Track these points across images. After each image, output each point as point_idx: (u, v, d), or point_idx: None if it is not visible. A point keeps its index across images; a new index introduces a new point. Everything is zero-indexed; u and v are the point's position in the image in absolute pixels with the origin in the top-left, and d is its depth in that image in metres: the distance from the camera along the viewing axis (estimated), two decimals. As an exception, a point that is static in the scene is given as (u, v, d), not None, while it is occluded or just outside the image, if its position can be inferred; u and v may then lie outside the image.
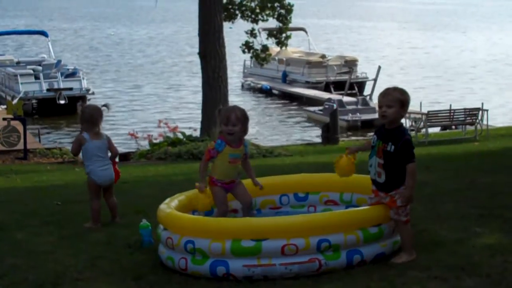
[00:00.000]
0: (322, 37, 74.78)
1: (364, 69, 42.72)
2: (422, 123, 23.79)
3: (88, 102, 33.72)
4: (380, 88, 37.66)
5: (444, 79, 47.68)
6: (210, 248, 5.98)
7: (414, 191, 6.12)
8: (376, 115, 31.69)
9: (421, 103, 27.34)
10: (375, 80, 36.85)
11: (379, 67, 36.39)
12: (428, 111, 24.45)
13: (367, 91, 39.30)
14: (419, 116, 24.93)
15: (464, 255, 6.07)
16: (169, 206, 6.65)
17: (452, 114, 24.18)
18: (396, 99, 6.14)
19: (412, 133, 23.87)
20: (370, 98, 34.63)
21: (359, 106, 32.14)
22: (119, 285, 5.99)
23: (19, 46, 67.86)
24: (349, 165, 6.64)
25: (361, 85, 40.47)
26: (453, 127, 26.48)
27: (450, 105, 25.53)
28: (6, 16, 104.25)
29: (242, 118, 6.74)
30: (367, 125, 31.05)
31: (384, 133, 6.19)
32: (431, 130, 24.56)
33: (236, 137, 6.77)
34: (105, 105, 8.21)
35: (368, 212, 6.28)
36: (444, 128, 26.83)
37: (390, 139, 6.10)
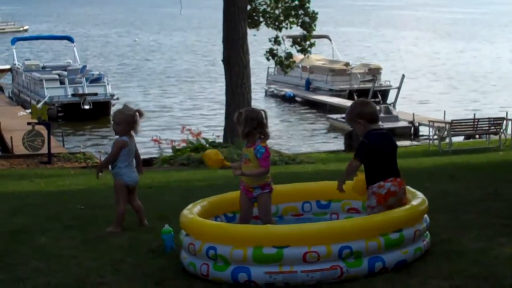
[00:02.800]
0: (346, 45, 74.70)
1: (387, 77, 42.60)
2: (445, 132, 23.68)
3: (113, 108, 33.89)
4: (403, 96, 37.66)
5: (469, 88, 47.43)
6: (232, 254, 5.98)
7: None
8: (399, 124, 31.65)
9: (444, 112, 27.27)
10: (398, 88, 36.74)
11: (403, 76, 36.28)
12: (452, 120, 24.34)
13: (390, 99, 39.21)
14: (443, 125, 24.82)
15: (486, 265, 6.03)
16: (192, 212, 6.67)
17: (476, 123, 24.05)
18: (349, 119, 6.73)
19: (436, 142, 23.79)
20: (394, 106, 34.54)
21: (382, 114, 31.97)
22: (140, 290, 6.01)
23: (45, 51, 68.32)
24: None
25: (384, 93, 40.37)
26: (477, 136, 26.34)
27: (474, 114, 25.41)
28: (33, 22, 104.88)
29: (237, 120, 6.89)
30: (389, 133, 30.90)
31: None
32: (455, 139, 24.44)
33: (240, 137, 6.99)
34: (138, 111, 8.17)
35: (389, 217, 6.27)
36: (468, 137, 26.69)
37: None
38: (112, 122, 8.11)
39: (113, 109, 34.35)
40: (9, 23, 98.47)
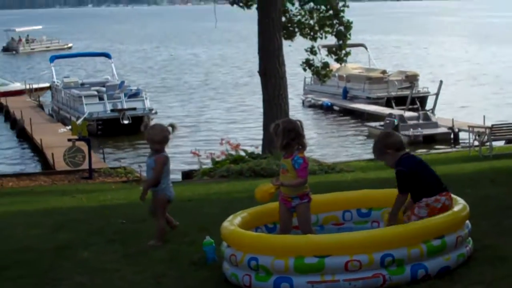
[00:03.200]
0: (382, 53, 74.42)
1: (425, 84, 42.34)
2: (486, 137, 23.47)
3: (152, 122, 34.13)
4: (442, 102, 37.35)
5: (508, 92, 46.94)
6: (273, 265, 6.00)
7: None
8: (438, 130, 31.43)
9: (484, 117, 27.03)
10: (437, 94, 36.51)
11: (441, 82, 36.06)
12: (492, 125, 24.13)
13: (429, 105, 38.98)
14: (483, 130, 24.61)
15: (530, 270, 5.97)
16: (232, 223, 6.70)
17: (516, 127, 23.82)
18: (378, 153, 6.86)
19: (476, 147, 23.60)
20: (433, 113, 34.32)
21: (421, 121, 31.85)
22: (184, 302, 6.05)
23: (83, 67, 69.04)
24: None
25: (422, 99, 40.13)
26: (518, 140, 26.07)
27: (515, 118, 25.18)
28: (74, 39, 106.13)
29: (274, 131, 6.92)
30: (429, 140, 30.75)
31: None
32: (496, 143, 24.21)
33: (279, 149, 7.00)
34: (171, 125, 8.29)
35: (431, 224, 6.24)
36: (509, 141, 26.42)
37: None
38: (149, 140, 8.10)
39: (152, 123, 34.61)
40: (54, 41, 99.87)
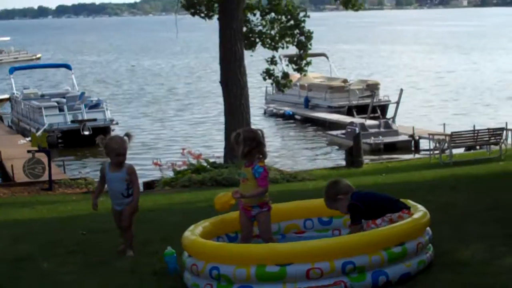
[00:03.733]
0: (344, 62, 74.89)
1: (386, 92, 42.68)
2: (446, 144, 23.69)
3: (112, 133, 33.94)
4: (402, 110, 37.67)
5: (467, 100, 47.47)
6: (235, 274, 5.98)
7: None
8: (399, 137, 31.66)
9: (444, 124, 27.27)
10: (397, 102, 36.80)
11: (401, 90, 36.37)
12: (452, 132, 24.34)
13: (390, 113, 39.26)
14: (443, 137, 24.83)
15: (491, 275, 6.02)
16: (194, 233, 6.67)
17: (476, 134, 24.06)
18: (331, 202, 6.94)
19: (437, 155, 23.79)
20: (393, 121, 34.58)
21: (382, 129, 32.06)
22: (145, 313, 6.00)
23: (43, 79, 68.52)
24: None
25: (383, 108, 40.42)
26: (478, 147, 26.34)
27: (474, 126, 25.45)
28: (31, 51, 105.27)
29: (235, 140, 6.93)
30: (390, 147, 30.95)
31: None
32: (455, 151, 24.44)
33: (240, 158, 7.01)
34: (127, 134, 8.21)
35: (391, 231, 6.27)
36: (468, 148, 26.69)
37: None
38: (115, 152, 7.88)
39: (113, 133, 34.45)
40: (22, 52, 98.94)
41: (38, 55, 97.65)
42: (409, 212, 6.72)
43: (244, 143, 6.86)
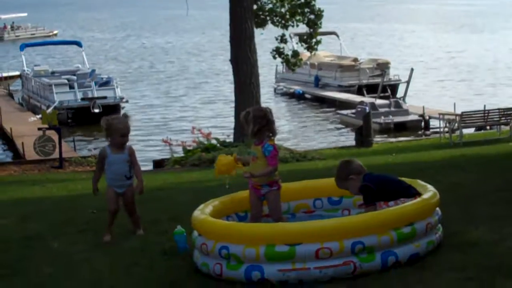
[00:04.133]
0: (354, 41, 74.60)
1: (396, 72, 42.53)
2: (456, 124, 23.62)
3: (122, 111, 34.00)
4: (413, 90, 37.55)
5: (478, 80, 47.28)
6: (245, 253, 5.99)
7: None
8: (409, 117, 31.61)
9: (455, 104, 27.20)
10: (408, 82, 36.71)
11: (412, 69, 36.24)
12: (462, 112, 24.28)
13: (400, 93, 39.17)
14: (453, 117, 24.76)
15: (499, 256, 6.02)
16: (203, 212, 6.68)
17: (486, 114, 23.98)
18: (342, 182, 6.84)
19: (447, 135, 23.74)
20: (403, 100, 34.50)
21: (392, 109, 32.00)
22: (154, 292, 6.03)
23: (53, 56, 68.52)
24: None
25: (393, 87, 40.31)
26: (488, 127, 26.26)
27: (484, 106, 25.34)
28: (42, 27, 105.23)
29: (245, 119, 6.90)
30: (400, 127, 30.91)
31: None
32: (466, 131, 24.38)
33: (250, 136, 6.98)
34: (124, 115, 8.08)
35: (401, 211, 6.27)
36: (478, 128, 26.62)
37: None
38: (121, 133, 7.74)
39: (122, 112, 34.47)
40: (39, 28, 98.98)
41: (55, 32, 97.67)
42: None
43: (254, 121, 6.85)
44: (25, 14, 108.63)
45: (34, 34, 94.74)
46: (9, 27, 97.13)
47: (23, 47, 44.34)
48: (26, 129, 28.68)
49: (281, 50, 24.95)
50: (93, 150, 26.00)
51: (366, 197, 6.68)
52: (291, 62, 25.25)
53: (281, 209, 7.11)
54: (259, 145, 6.89)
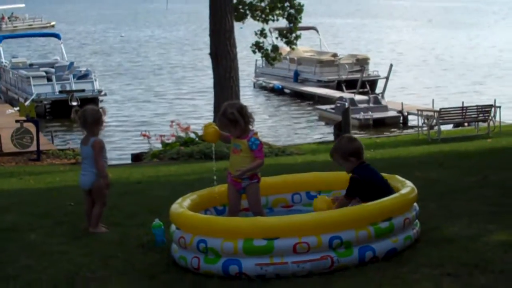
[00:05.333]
0: (334, 36, 74.73)
1: (375, 67, 42.63)
2: (434, 121, 23.72)
3: (100, 104, 33.87)
4: (392, 86, 37.61)
5: (456, 76, 47.51)
6: (222, 247, 5.99)
7: None
8: (388, 113, 31.70)
9: (433, 101, 27.27)
10: (387, 78, 36.76)
11: (391, 65, 36.30)
12: (441, 109, 24.37)
13: (379, 89, 39.25)
14: (431, 113, 24.85)
15: (477, 252, 6.05)
16: (181, 205, 6.66)
17: (464, 111, 24.09)
18: (340, 157, 6.73)
19: (425, 131, 23.84)
20: (382, 96, 34.56)
21: (371, 105, 32.07)
22: (132, 285, 6.01)
23: (33, 48, 68.11)
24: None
25: (373, 83, 40.35)
26: (466, 124, 26.39)
27: (463, 102, 25.45)
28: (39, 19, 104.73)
29: (225, 120, 6.86)
30: (379, 123, 31.00)
31: None
32: (444, 127, 24.48)
33: (237, 132, 6.90)
34: (101, 108, 8.02)
35: (379, 206, 6.28)
36: (456, 125, 26.74)
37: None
38: (82, 123, 7.67)
39: (101, 105, 34.31)
40: (36, 19, 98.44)
41: (52, 23, 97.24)
42: None
43: (241, 117, 6.82)
44: (23, 5, 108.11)
45: (31, 25, 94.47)
46: (7, 18, 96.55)
47: (1, 39, 44.00)
48: (3, 121, 28.48)
49: (261, 44, 24.95)
50: (71, 143, 25.84)
51: (350, 189, 6.64)
52: (271, 56, 25.27)
53: (261, 203, 7.10)
54: (244, 138, 6.87)
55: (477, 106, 24.54)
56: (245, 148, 6.86)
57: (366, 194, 6.57)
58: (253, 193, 6.96)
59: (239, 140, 6.91)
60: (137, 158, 20.95)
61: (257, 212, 6.89)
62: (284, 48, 31.42)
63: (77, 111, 7.78)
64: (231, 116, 6.82)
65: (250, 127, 6.92)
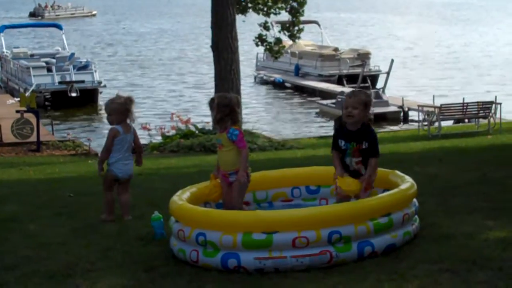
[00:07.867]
0: (335, 30, 74.65)
1: (377, 62, 42.59)
2: (435, 116, 23.72)
3: (100, 95, 33.89)
4: (393, 81, 37.57)
5: (458, 72, 47.45)
6: (221, 240, 5.99)
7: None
8: (389, 108, 31.66)
9: (434, 96, 27.26)
10: (388, 73, 36.74)
11: (392, 60, 36.27)
12: (441, 105, 24.36)
13: (380, 84, 39.21)
14: (432, 109, 24.85)
15: (475, 248, 6.05)
16: (181, 198, 6.66)
17: (465, 107, 24.09)
18: (361, 101, 6.64)
19: (425, 126, 23.84)
20: (383, 91, 34.53)
21: (372, 100, 32.02)
22: (130, 277, 6.01)
23: (35, 38, 68.03)
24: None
25: (374, 78, 40.32)
26: (466, 120, 26.39)
27: (463, 99, 25.45)
28: (21, 10, 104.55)
29: (210, 106, 6.93)
30: (379, 118, 30.97)
31: (352, 134, 6.70)
32: (444, 123, 24.48)
33: (213, 123, 6.99)
34: (128, 98, 8.05)
35: (378, 201, 6.28)
36: (457, 121, 26.74)
37: (362, 138, 6.64)
38: (124, 111, 7.82)
39: (100, 97, 34.32)
40: (78, 8, 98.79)
41: (94, 12, 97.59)
42: None
43: (217, 109, 6.83)
44: None
45: (73, 14, 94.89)
46: (50, 6, 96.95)
47: (2, 28, 43.89)
48: (4, 111, 28.45)
49: (264, 37, 24.92)
50: (71, 134, 25.84)
51: (377, 143, 6.64)
52: (274, 50, 25.22)
53: (242, 199, 6.99)
54: (224, 132, 6.87)
55: (477, 102, 24.54)
56: (225, 141, 6.86)
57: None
58: (235, 189, 6.89)
59: (219, 135, 6.93)
60: (137, 150, 20.94)
61: (235, 206, 6.78)
62: (285, 42, 31.38)
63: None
64: (209, 103, 6.95)
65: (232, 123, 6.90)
